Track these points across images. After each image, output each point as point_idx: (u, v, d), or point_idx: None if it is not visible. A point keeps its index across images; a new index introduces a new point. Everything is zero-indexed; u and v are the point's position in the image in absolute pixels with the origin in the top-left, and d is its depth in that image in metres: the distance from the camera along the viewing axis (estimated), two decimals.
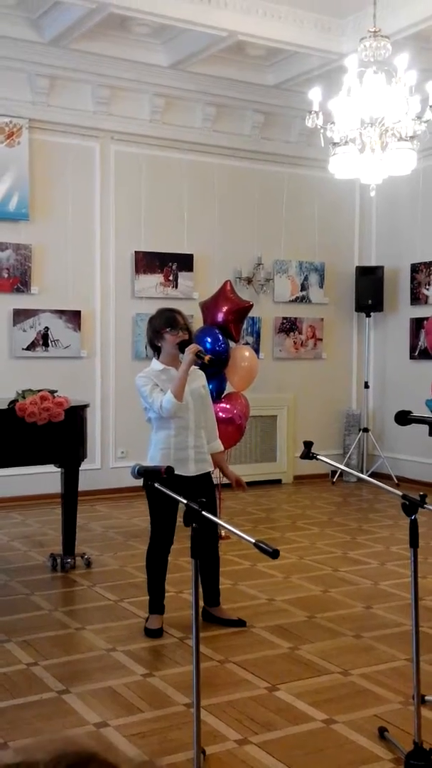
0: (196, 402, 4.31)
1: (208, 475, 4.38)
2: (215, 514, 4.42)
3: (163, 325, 4.30)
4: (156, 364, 4.35)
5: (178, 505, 3.92)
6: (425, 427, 3.52)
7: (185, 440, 4.27)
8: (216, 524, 4.07)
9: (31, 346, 7.53)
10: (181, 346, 4.24)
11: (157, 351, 4.39)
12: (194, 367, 4.32)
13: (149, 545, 4.41)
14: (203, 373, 4.42)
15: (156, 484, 2.88)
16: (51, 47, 7.14)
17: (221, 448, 4.51)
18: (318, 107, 5.42)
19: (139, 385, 4.29)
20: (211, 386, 5.18)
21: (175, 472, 4.18)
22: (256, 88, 8.12)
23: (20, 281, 7.47)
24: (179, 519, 3.64)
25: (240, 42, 7.16)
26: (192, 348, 4.20)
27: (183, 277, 8.22)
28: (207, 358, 4.24)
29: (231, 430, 6.22)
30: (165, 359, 4.34)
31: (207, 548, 4.41)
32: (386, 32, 5.59)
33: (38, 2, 6.63)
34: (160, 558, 4.37)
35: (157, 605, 4.38)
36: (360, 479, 3.47)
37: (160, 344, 4.34)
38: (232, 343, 6.62)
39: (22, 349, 7.48)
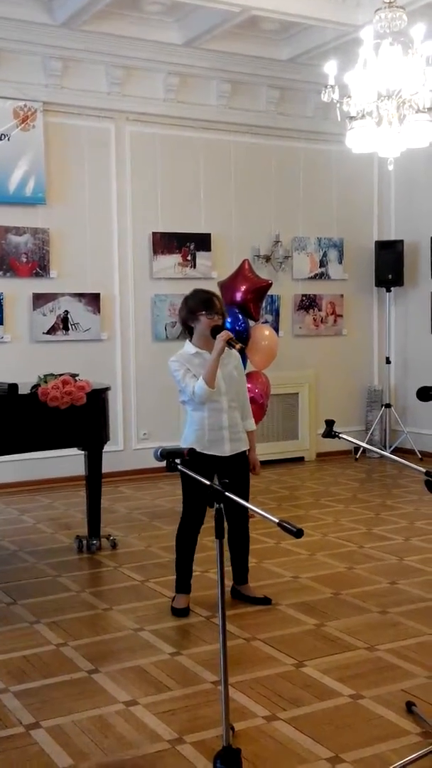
0: (229, 384, 4.30)
1: (243, 454, 4.39)
2: (248, 493, 4.44)
3: (200, 307, 4.25)
4: (189, 347, 4.32)
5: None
6: None
7: (219, 421, 4.28)
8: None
9: (52, 330, 7.56)
10: (213, 332, 4.22)
11: (189, 331, 4.35)
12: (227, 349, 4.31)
13: (180, 524, 4.44)
14: (237, 353, 4.38)
15: (179, 466, 2.89)
16: (63, 29, 7.10)
17: (253, 427, 4.50)
18: (334, 81, 5.36)
19: (172, 369, 4.27)
20: None
21: (211, 453, 4.24)
22: (271, 63, 8.04)
23: (39, 265, 7.49)
24: None
25: (253, 17, 7.07)
26: (224, 335, 4.16)
27: (201, 257, 8.20)
28: (238, 346, 4.21)
29: (253, 409, 6.10)
30: (198, 341, 4.30)
31: (237, 526, 4.46)
32: (401, 2, 5.51)
33: None
34: (190, 538, 4.40)
35: (184, 584, 4.41)
36: (383, 456, 3.45)
37: (193, 325, 4.29)
38: (251, 322, 6.61)
39: (43, 333, 7.51)
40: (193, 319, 4.28)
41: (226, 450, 4.30)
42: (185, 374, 4.23)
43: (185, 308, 4.33)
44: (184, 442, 4.30)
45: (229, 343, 4.17)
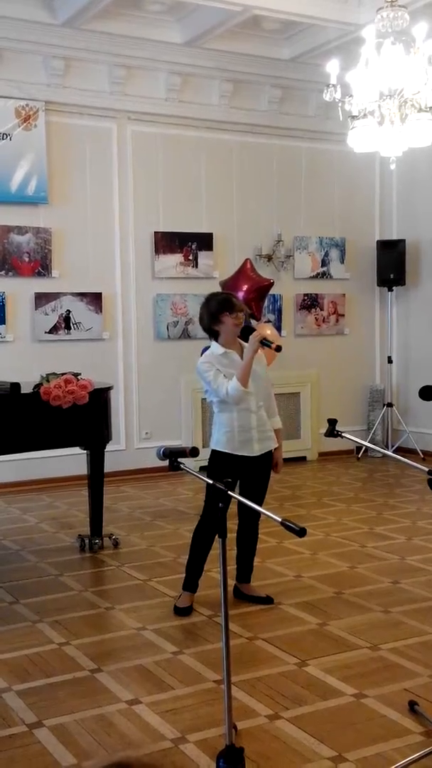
0: (257, 385, 4.29)
1: (270, 453, 4.40)
2: (264, 492, 4.45)
3: (222, 309, 4.24)
4: (216, 348, 4.29)
5: (235, 485, 3.91)
6: None
7: (248, 422, 4.28)
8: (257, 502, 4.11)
9: (54, 330, 7.56)
10: (245, 333, 4.23)
11: (214, 336, 4.32)
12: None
13: (199, 523, 4.43)
14: (261, 353, 4.36)
15: (181, 465, 2.89)
16: (65, 28, 7.10)
17: (280, 425, 4.49)
18: (336, 80, 5.35)
19: (202, 371, 4.24)
20: None
21: (240, 453, 4.25)
22: (273, 63, 8.04)
23: (41, 265, 7.49)
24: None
25: (255, 16, 7.07)
26: (258, 336, 4.17)
27: (203, 257, 8.20)
28: (274, 345, 4.18)
29: None
30: (225, 342, 4.29)
31: (247, 525, 4.48)
32: (403, 1, 5.50)
33: None
34: (208, 537, 4.37)
35: (191, 583, 4.41)
36: (385, 455, 3.45)
37: (218, 329, 4.27)
38: (253, 322, 6.61)
39: (45, 332, 7.52)
40: (217, 323, 4.26)
41: (255, 450, 4.31)
42: (216, 375, 4.20)
43: (207, 314, 4.28)
44: (216, 445, 4.30)
45: (264, 343, 4.17)
